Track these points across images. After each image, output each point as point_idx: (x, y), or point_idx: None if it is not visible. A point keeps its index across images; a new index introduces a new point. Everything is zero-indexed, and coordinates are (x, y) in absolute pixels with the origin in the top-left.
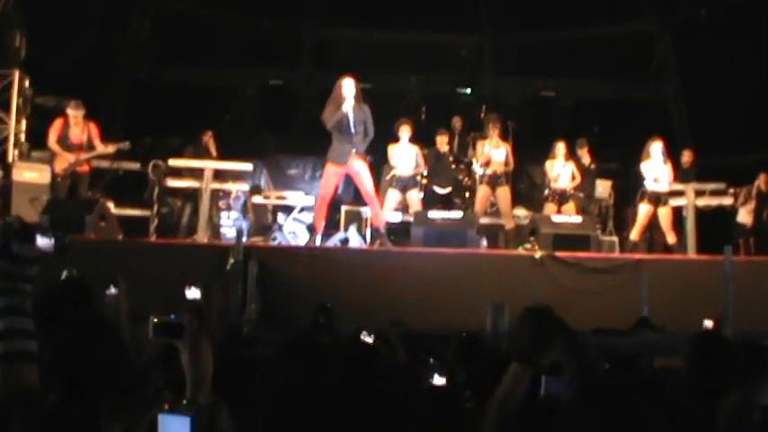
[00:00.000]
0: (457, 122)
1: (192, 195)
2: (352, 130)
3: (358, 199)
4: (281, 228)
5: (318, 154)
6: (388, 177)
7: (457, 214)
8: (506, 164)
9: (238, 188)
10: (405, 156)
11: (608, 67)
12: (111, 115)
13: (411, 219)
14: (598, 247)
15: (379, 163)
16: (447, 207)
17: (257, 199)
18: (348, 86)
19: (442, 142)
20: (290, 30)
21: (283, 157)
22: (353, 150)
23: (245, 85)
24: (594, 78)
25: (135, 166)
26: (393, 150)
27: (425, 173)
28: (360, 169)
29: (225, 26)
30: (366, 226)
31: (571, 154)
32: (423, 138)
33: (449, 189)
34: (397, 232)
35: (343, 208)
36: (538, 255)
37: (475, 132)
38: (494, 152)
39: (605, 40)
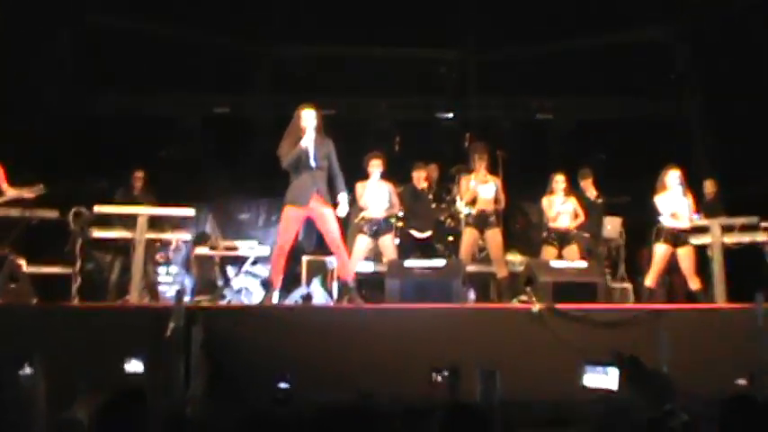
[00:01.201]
0: (432, 172)
1: (123, 248)
2: (313, 164)
3: (322, 247)
4: (230, 284)
5: (274, 195)
6: (356, 220)
7: (439, 262)
8: (496, 201)
9: (179, 238)
10: (376, 195)
11: (615, 82)
12: (21, 153)
13: (385, 269)
14: (608, 297)
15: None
16: (427, 254)
17: (202, 250)
18: (308, 117)
19: (420, 178)
20: (239, 47)
21: (232, 200)
22: (315, 190)
23: (185, 114)
24: (599, 96)
25: (52, 214)
26: (362, 188)
27: (401, 214)
28: (324, 212)
29: (160, 44)
30: (332, 279)
31: (573, 187)
32: (397, 173)
33: (429, 233)
34: (369, 285)
35: (305, 258)
36: (536, 308)
37: (459, 165)
38: (481, 188)
39: (611, 50)
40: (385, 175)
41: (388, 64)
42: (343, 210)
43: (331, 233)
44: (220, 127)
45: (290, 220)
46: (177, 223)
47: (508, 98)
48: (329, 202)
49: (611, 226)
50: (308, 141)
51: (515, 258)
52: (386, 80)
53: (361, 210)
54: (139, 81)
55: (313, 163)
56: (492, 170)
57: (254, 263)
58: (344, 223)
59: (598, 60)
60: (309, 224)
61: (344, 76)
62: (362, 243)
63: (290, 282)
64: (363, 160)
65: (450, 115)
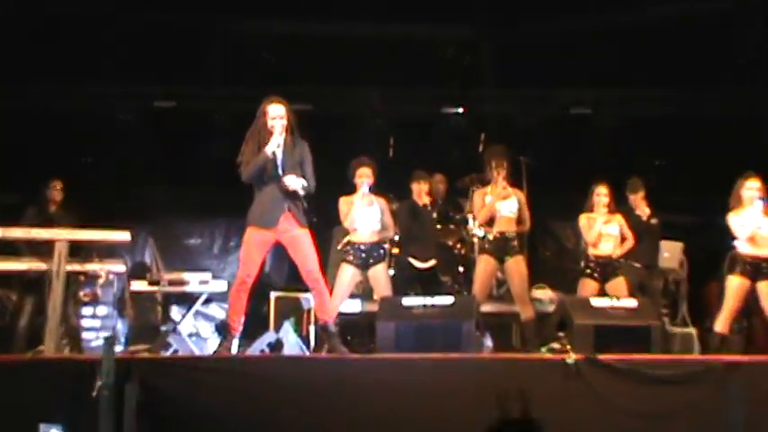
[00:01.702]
0: (437, 184)
1: (35, 284)
2: (282, 174)
3: (295, 280)
4: (176, 329)
5: (234, 213)
6: (339, 246)
7: (446, 300)
8: (519, 221)
9: (109, 270)
10: (364, 213)
11: (671, 68)
12: None
13: (376, 308)
14: (664, 345)
15: (326, 224)
16: (431, 289)
17: (139, 285)
18: (276, 114)
19: (421, 191)
20: (187, 24)
21: (180, 220)
22: (286, 207)
23: (118, 109)
24: (650, 86)
25: None
26: (346, 205)
27: (396, 238)
28: (297, 235)
29: (83, 21)
30: (308, 321)
31: (619, 203)
32: (391, 185)
33: (432, 262)
34: (356, 330)
35: (273, 295)
36: (571, 359)
37: (471, 175)
38: (500, 204)
39: (664, 27)
40: (376, 189)
41: (381, 45)
42: (296, 183)
43: (306, 263)
44: (164, 126)
45: (254, 245)
46: (107, 250)
47: (533, 88)
48: (304, 222)
49: (670, 253)
50: (275, 146)
51: (544, 295)
52: (377, 66)
53: (346, 233)
54: (58, 67)
55: (282, 173)
56: (514, 181)
57: (208, 301)
58: (324, 249)
59: (648, 40)
60: (279, 251)
61: (323, 61)
62: (347, 275)
63: (254, 325)
64: (348, 169)
65: (460, 110)
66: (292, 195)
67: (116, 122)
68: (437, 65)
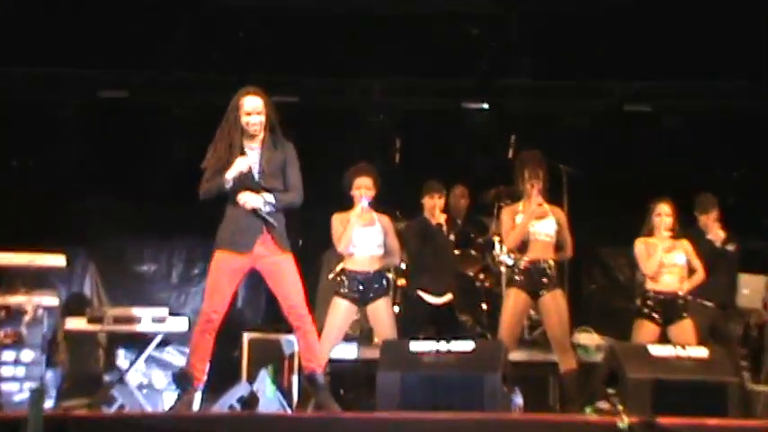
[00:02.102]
0: (458, 199)
1: None
2: (261, 185)
3: (274, 318)
4: (123, 379)
5: (198, 233)
6: (331, 276)
7: (465, 345)
8: (558, 247)
9: (38, 303)
10: (363, 235)
11: (748, 54)
12: None
13: (377, 355)
14: (744, 407)
15: (314, 248)
16: (446, 331)
17: (77, 323)
18: (252, 107)
19: (435, 207)
20: None
21: (129, 241)
22: (263, 227)
23: (52, 100)
24: (729, 77)
25: None
26: (340, 224)
27: (403, 266)
28: (277, 262)
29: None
30: (290, 370)
31: (686, 226)
32: (398, 200)
33: (448, 296)
34: (351, 381)
35: (247, 336)
36: (624, 423)
37: (498, 188)
38: (534, 225)
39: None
40: (378, 204)
41: (386, 24)
42: (254, 201)
43: (289, 296)
44: (111, 121)
45: (224, 273)
46: (35, 279)
47: (577, 79)
48: (286, 245)
49: (750, 289)
50: (243, 166)
51: (590, 340)
52: (382, 50)
53: (340, 258)
54: None
55: (260, 183)
56: (552, 196)
57: (164, 344)
58: (312, 279)
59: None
60: (255, 281)
61: (314, 44)
62: (341, 312)
63: (222, 375)
64: (343, 178)
65: (485, 106)
66: (270, 213)
67: (50, 116)
68: (456, 48)
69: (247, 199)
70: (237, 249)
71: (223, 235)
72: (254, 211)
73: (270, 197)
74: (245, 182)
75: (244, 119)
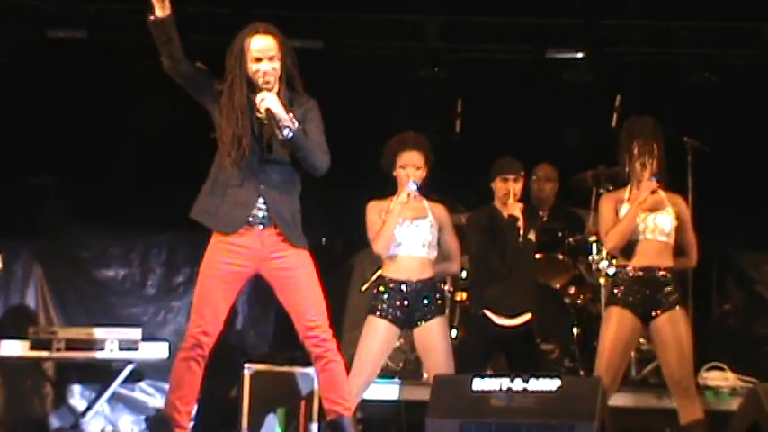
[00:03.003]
0: (543, 183)
1: None
2: (268, 154)
3: (286, 344)
4: (79, 425)
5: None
6: (365, 286)
7: (549, 383)
8: (678, 251)
9: None
10: (410, 231)
11: None
12: None
13: (427, 395)
14: None
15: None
16: (522, 364)
17: (14, 347)
18: (261, 48)
19: (510, 194)
20: None
21: (88, 235)
22: (267, 210)
23: None
24: None
25: None
26: (378, 214)
27: (464, 274)
28: (290, 266)
29: None
30: (307, 414)
31: None
32: (459, 183)
33: (525, 317)
34: (391, 430)
35: (249, 369)
36: None
37: (597, 167)
38: (646, 220)
39: None
40: (431, 188)
41: None
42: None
43: (306, 312)
44: (62, 71)
45: (217, 278)
46: None
47: (707, 18)
48: (301, 241)
49: None
50: (272, 102)
51: (722, 380)
52: None
53: (377, 263)
54: None
55: (267, 151)
56: (671, 181)
57: (135, 378)
58: (339, 291)
59: None
60: (259, 292)
61: None
62: (378, 337)
63: (215, 420)
64: (384, 154)
65: (579, 55)
66: (279, 191)
67: None
68: None
69: (266, 97)
70: (227, 229)
71: (208, 207)
72: (254, 186)
73: (295, 123)
74: (250, 149)
75: (252, 66)
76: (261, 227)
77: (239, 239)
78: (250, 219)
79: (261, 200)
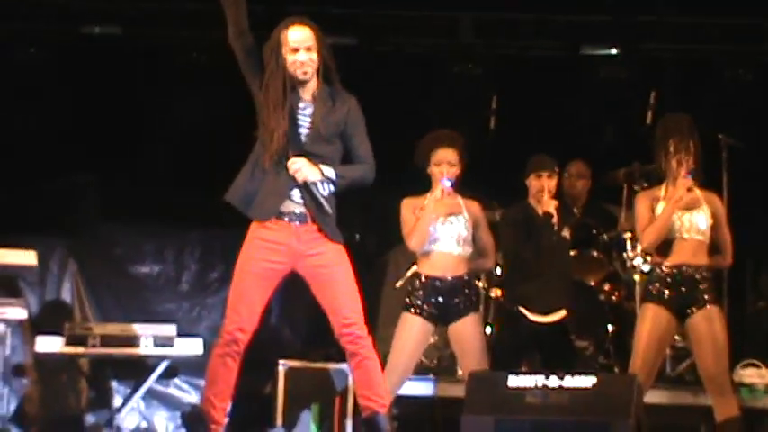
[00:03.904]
0: (575, 180)
1: None
2: (309, 149)
3: (320, 340)
4: (114, 420)
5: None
6: (400, 283)
7: (584, 380)
8: (713, 249)
9: None
10: (444, 228)
11: None
12: None
13: (462, 392)
14: None
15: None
16: (557, 361)
17: (50, 343)
18: (299, 39)
19: (544, 191)
20: None
21: (123, 233)
22: (303, 206)
23: (19, 39)
24: None
25: None
26: (411, 211)
27: (498, 271)
28: (326, 263)
29: None
30: (341, 411)
31: None
32: (493, 180)
33: (560, 314)
34: (427, 427)
35: (284, 365)
36: None
37: (632, 165)
38: (681, 218)
39: None
40: (465, 186)
41: None
42: (310, 172)
43: (342, 307)
44: (98, 68)
45: (254, 274)
46: None
47: (743, 15)
48: (337, 236)
49: None
50: (307, 171)
51: (758, 377)
52: None
53: (412, 260)
54: None
55: (307, 148)
56: (707, 179)
57: (170, 374)
58: (373, 287)
59: None
60: (293, 287)
61: None
62: (413, 334)
63: (250, 416)
64: (417, 151)
65: (613, 52)
66: (318, 188)
67: (16, 62)
68: None
69: (301, 167)
70: (265, 215)
71: (243, 192)
72: (303, 186)
73: (330, 171)
74: (285, 143)
75: (289, 57)
76: (297, 223)
77: (275, 235)
78: (285, 214)
79: (297, 192)
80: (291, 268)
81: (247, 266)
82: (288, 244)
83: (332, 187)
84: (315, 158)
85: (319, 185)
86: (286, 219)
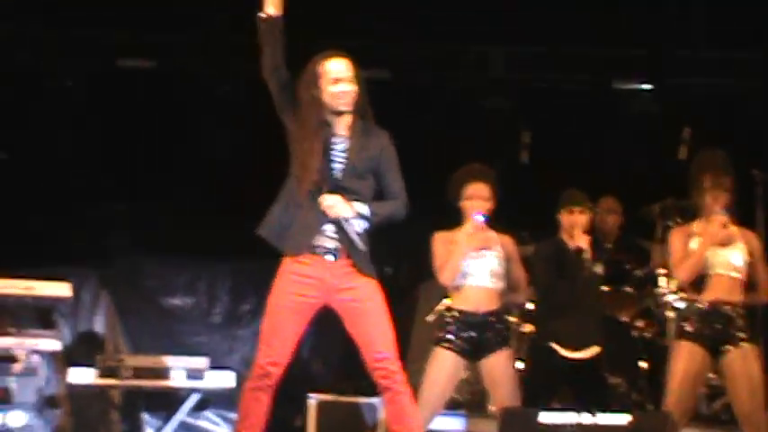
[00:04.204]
0: (607, 215)
1: None
2: (344, 184)
3: (352, 374)
4: None
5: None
6: (431, 317)
7: (616, 418)
8: (749, 286)
9: (32, 348)
10: (476, 263)
11: None
12: None
13: (493, 428)
14: None
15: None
16: (589, 397)
17: (83, 375)
18: (339, 71)
19: (576, 226)
20: None
21: (155, 264)
22: (338, 246)
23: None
24: None
25: None
26: (445, 247)
27: (531, 306)
28: (359, 298)
29: None
30: None
31: None
32: (525, 215)
33: (593, 350)
34: None
35: (314, 399)
36: None
37: (665, 200)
38: (716, 254)
39: None
40: (498, 220)
41: None
42: (342, 209)
43: (374, 343)
44: (130, 99)
45: (289, 308)
46: (29, 315)
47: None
48: (370, 270)
49: None
50: (341, 209)
51: None
52: (504, 7)
53: (444, 294)
54: None
55: (342, 183)
56: (742, 215)
57: (202, 406)
58: (405, 321)
59: None
60: (323, 321)
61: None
62: (445, 368)
63: None
64: (449, 185)
65: (647, 87)
66: (351, 224)
67: (51, 92)
68: (605, 6)
69: (335, 204)
70: (298, 250)
71: (276, 226)
72: (336, 222)
73: (363, 208)
74: (321, 179)
75: (330, 89)
76: (331, 257)
77: (308, 270)
78: (319, 247)
79: (330, 227)
80: (324, 303)
81: (281, 300)
82: (321, 278)
83: (365, 224)
84: (348, 194)
85: (353, 222)
86: (319, 253)
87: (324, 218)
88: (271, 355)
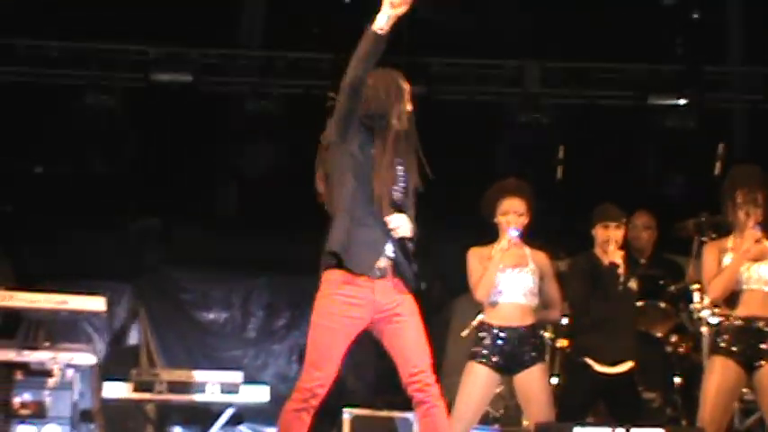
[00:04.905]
0: (641, 231)
1: None
2: (400, 200)
3: (387, 388)
4: None
5: (284, 269)
6: (466, 332)
7: None
8: None
9: (67, 361)
10: (511, 278)
11: None
12: None
13: None
14: None
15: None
16: (623, 412)
17: (118, 389)
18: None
19: (611, 242)
20: None
21: (189, 279)
22: (393, 258)
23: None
24: None
25: None
26: (480, 263)
27: (565, 321)
28: (398, 313)
29: None
30: None
31: None
32: (560, 230)
33: (627, 365)
34: None
35: (349, 414)
36: None
37: (700, 216)
38: (750, 270)
39: None
40: (533, 236)
41: None
42: (406, 227)
43: (411, 358)
44: (167, 115)
45: (341, 327)
46: (63, 329)
47: None
48: (412, 284)
49: None
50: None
51: None
52: (538, 23)
53: (478, 310)
54: None
55: (401, 201)
56: None
57: (236, 421)
58: (439, 336)
59: None
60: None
61: (442, 14)
62: (479, 383)
63: None
64: (484, 201)
65: (681, 102)
66: (401, 241)
67: (89, 107)
68: (643, 23)
69: (402, 225)
70: (362, 269)
71: (345, 243)
72: (397, 241)
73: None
74: (384, 197)
75: (408, 107)
76: (379, 277)
77: (358, 291)
78: (378, 269)
79: (390, 246)
80: (371, 321)
81: (332, 323)
82: (370, 299)
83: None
84: (406, 213)
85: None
86: (374, 274)
87: (388, 237)
88: (320, 378)
